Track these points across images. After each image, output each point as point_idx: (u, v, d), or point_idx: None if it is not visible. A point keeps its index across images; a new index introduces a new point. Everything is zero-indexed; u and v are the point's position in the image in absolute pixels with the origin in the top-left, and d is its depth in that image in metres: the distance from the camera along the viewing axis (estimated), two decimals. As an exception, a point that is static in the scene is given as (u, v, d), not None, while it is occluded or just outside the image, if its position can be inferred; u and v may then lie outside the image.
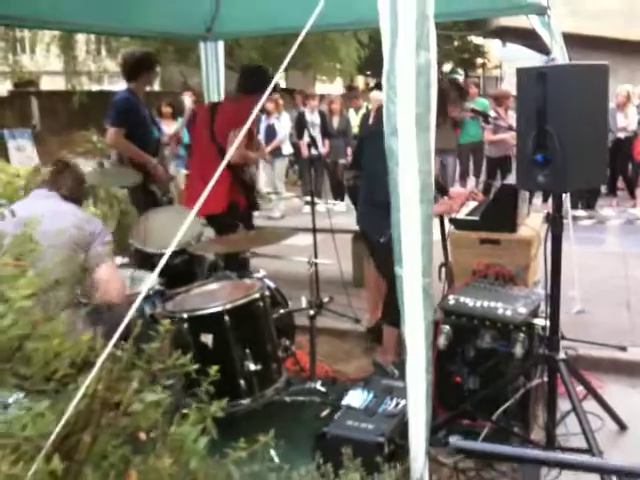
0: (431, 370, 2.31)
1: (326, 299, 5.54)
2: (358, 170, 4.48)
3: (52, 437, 1.04)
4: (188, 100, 9.32)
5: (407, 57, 2.25)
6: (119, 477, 1.19)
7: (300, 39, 2.00)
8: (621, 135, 9.86)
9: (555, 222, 2.87)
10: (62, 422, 1.06)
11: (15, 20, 5.23)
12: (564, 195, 4.95)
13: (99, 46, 18.90)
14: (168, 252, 1.76)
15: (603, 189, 10.27)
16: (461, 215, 4.04)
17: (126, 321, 1.27)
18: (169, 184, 5.31)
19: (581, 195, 9.28)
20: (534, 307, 3.32)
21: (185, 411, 1.45)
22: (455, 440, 1.53)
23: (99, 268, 2.90)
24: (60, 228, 2.60)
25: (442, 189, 4.34)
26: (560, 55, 4.56)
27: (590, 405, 3.59)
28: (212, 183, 1.92)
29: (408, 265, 2.28)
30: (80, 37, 17.13)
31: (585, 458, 1.62)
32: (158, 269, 1.62)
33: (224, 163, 2.07)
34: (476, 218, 3.96)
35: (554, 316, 3.01)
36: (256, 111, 2.25)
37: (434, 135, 2.32)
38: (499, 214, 3.86)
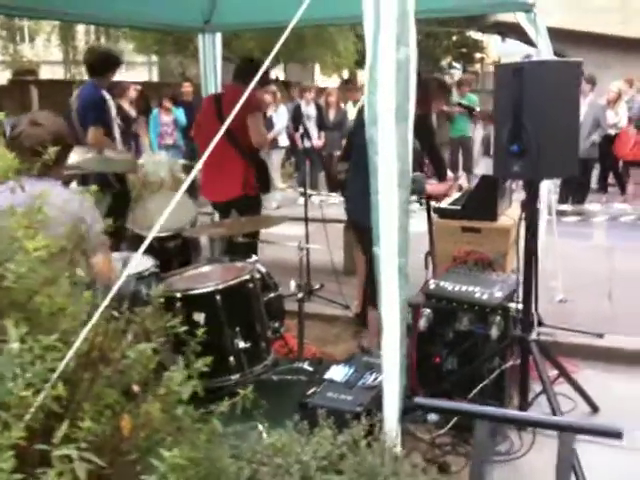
0: (405, 343, 2.48)
1: (317, 286, 5.75)
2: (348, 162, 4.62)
3: (58, 370, 1.20)
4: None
5: (388, 52, 2.41)
6: (113, 417, 1.36)
7: (285, 35, 2.15)
8: (612, 132, 10.01)
9: (529, 209, 3.03)
10: (67, 358, 1.22)
11: (15, 10, 5.34)
12: (549, 190, 5.14)
13: (99, 36, 19.00)
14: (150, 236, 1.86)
15: (594, 185, 10.45)
16: (444, 204, 4.21)
17: (117, 286, 1.41)
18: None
19: (570, 190, 9.45)
20: (510, 291, 3.49)
21: (173, 368, 1.61)
22: (418, 399, 1.69)
23: (94, 256, 2.86)
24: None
25: (440, 174, 4.56)
26: (546, 50, 4.72)
27: (565, 388, 3.77)
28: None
29: (385, 245, 2.44)
30: (80, 27, 17.24)
31: (535, 415, 1.79)
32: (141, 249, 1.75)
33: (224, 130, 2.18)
34: (458, 207, 4.14)
35: (527, 299, 3.18)
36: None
37: (412, 125, 2.48)
38: (480, 203, 4.03)
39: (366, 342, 4.49)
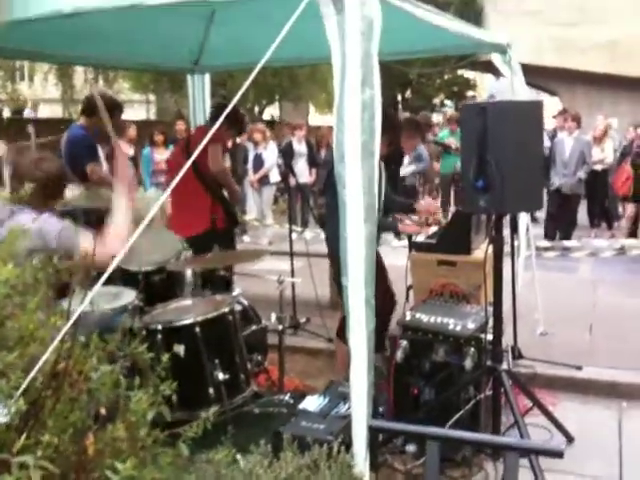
0: (372, 372, 2.57)
1: (303, 320, 5.83)
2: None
3: (22, 387, 1.29)
4: None
5: (353, 93, 2.55)
6: (77, 435, 1.44)
7: (255, 73, 2.30)
8: (598, 167, 10.16)
9: (495, 242, 3.15)
10: (30, 375, 1.31)
11: (13, 52, 5.54)
12: (528, 225, 5.27)
13: (96, 75, 19.38)
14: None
15: (585, 221, 10.58)
16: (421, 238, 4.34)
17: (79, 310, 1.50)
18: None
19: (557, 226, 9.59)
20: (483, 323, 3.58)
21: (140, 391, 1.69)
22: (373, 421, 1.78)
23: (79, 245, 2.69)
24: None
25: (409, 208, 4.69)
26: (520, 89, 4.90)
27: (542, 419, 3.83)
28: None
29: (352, 277, 2.55)
30: (78, 67, 17.59)
31: (482, 435, 1.87)
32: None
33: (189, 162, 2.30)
34: (434, 241, 4.26)
35: (497, 330, 3.27)
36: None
37: (378, 161, 2.61)
38: (454, 237, 4.15)
39: (334, 376, 4.50)
